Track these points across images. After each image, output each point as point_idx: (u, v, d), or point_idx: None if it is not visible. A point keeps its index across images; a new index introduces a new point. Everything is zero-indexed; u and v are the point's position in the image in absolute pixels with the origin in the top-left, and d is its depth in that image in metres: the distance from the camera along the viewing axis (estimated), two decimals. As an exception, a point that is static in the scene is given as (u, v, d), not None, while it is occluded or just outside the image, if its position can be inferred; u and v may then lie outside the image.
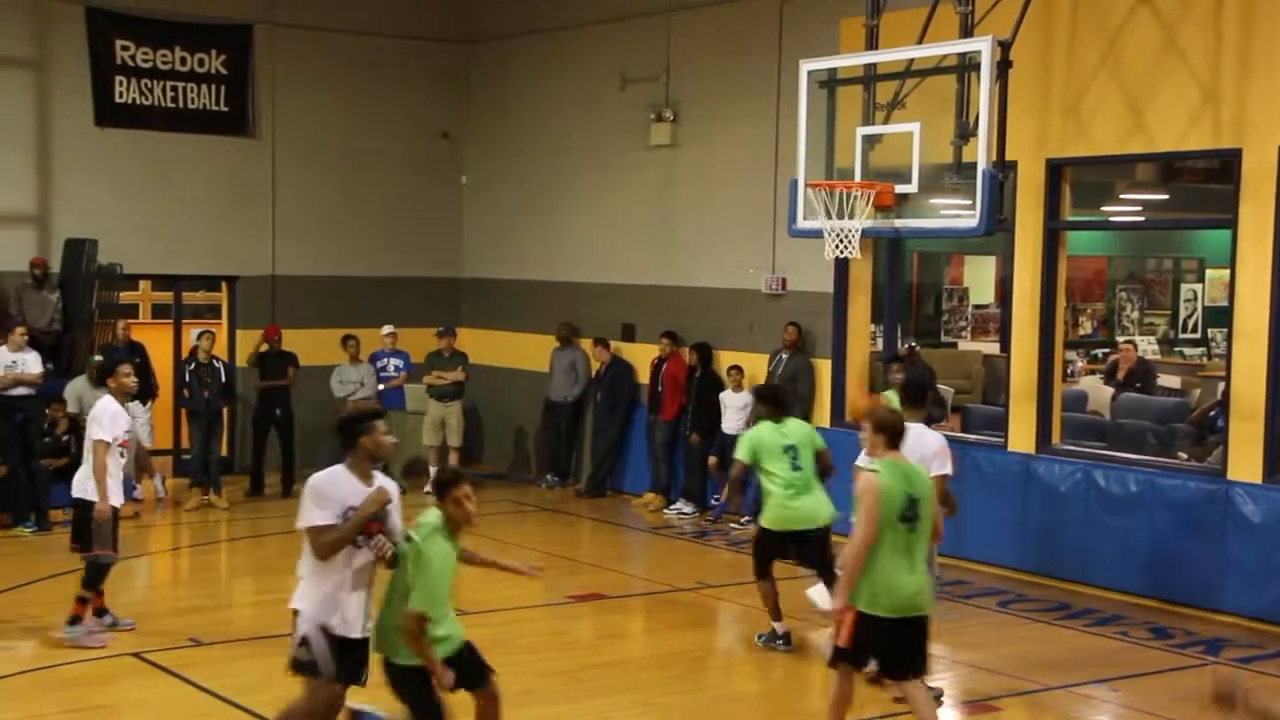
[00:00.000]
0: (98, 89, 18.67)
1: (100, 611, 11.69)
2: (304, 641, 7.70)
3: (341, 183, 20.17)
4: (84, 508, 11.42)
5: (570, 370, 18.59)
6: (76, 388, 16.52)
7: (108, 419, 11.37)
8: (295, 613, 7.81)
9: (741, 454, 11.54)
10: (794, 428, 11.63)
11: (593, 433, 18.57)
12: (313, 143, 19.93)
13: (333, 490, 7.83)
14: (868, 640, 8.37)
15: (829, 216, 12.96)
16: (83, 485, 11.44)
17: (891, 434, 8.60)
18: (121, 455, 11.46)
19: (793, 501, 11.31)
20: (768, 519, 11.49)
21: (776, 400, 11.83)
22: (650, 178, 18.30)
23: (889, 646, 8.45)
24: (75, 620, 11.41)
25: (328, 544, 7.64)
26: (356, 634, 7.70)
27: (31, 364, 16.77)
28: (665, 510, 17.27)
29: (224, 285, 19.90)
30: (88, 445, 11.52)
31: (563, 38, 19.51)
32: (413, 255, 20.64)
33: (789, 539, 11.49)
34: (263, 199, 19.73)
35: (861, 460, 9.24)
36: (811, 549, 11.48)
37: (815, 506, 11.42)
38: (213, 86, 19.43)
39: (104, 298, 18.31)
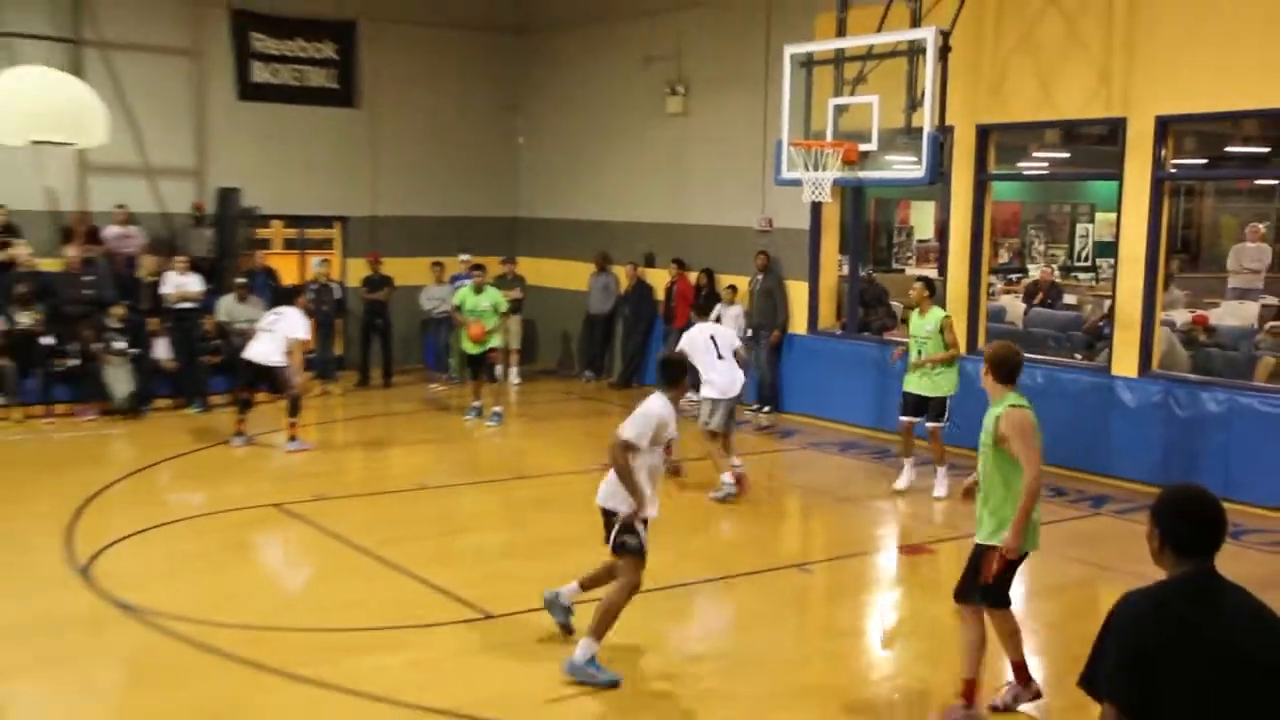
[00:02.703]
0: (239, 71, 18.61)
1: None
2: (630, 529, 7.22)
3: (426, 142, 20.09)
4: (274, 371, 13.59)
5: (604, 289, 18.61)
6: (226, 303, 16.58)
7: (304, 325, 13.82)
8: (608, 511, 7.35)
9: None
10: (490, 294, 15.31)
11: (622, 338, 18.61)
12: (403, 112, 19.84)
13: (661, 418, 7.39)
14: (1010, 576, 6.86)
15: (806, 169, 12.96)
16: (271, 357, 13.49)
17: (1005, 370, 6.85)
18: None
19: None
20: None
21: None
22: (666, 139, 18.19)
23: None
24: (293, 439, 13.69)
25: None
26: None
27: (194, 284, 16.89)
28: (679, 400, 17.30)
29: (336, 224, 19.89)
30: (281, 341, 13.53)
31: (598, 28, 19.35)
32: (481, 199, 20.60)
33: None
34: (365, 156, 19.67)
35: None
36: None
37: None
38: (326, 68, 19.36)
39: (246, 233, 18.40)
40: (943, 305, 13.13)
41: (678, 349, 11.96)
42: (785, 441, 14.90)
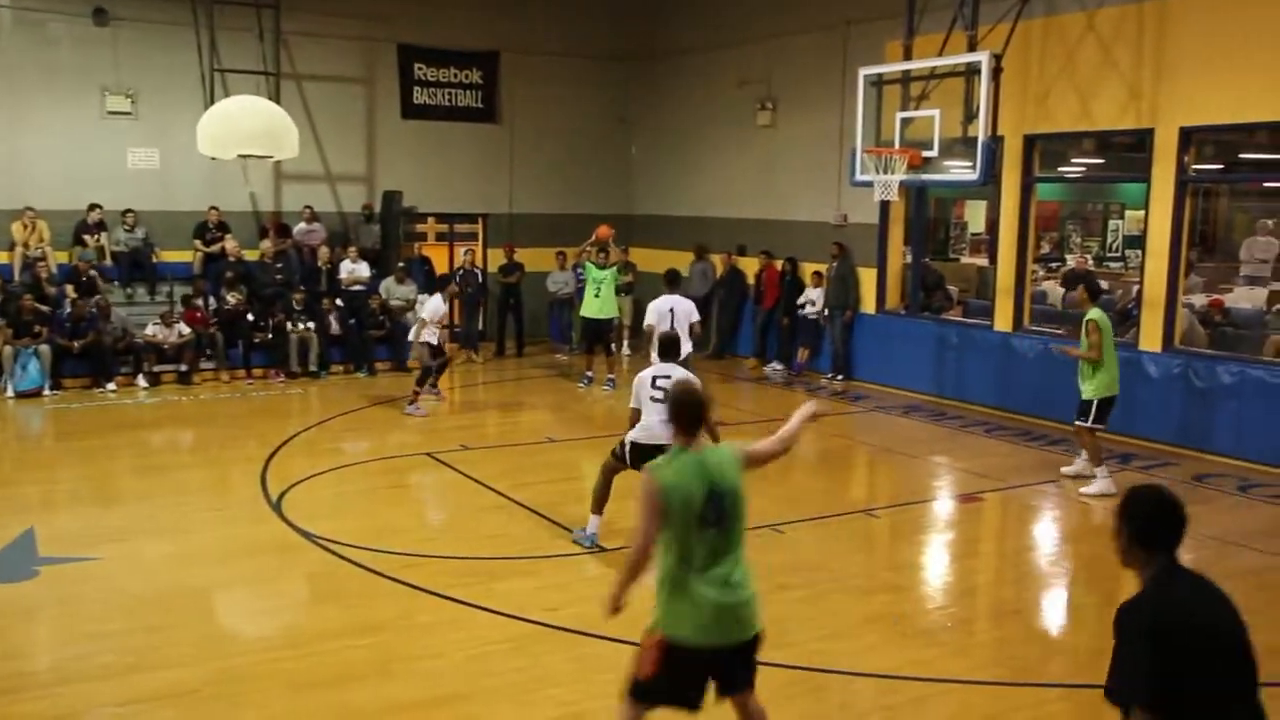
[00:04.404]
0: (403, 95, 18.80)
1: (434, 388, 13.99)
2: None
3: (554, 152, 20.12)
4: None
5: (702, 275, 18.49)
6: (387, 284, 16.86)
7: (430, 306, 13.39)
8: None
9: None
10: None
11: (717, 316, 18.49)
12: (536, 126, 19.87)
13: None
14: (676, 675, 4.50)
15: (877, 172, 12.72)
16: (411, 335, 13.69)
17: (681, 418, 4.54)
18: (437, 328, 13.48)
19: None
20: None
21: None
22: (756, 147, 18.00)
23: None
24: (413, 402, 13.32)
25: None
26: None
27: (363, 270, 17.15)
28: (764, 368, 17.20)
29: (480, 220, 20.03)
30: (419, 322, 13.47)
31: (701, 56, 19.18)
32: (600, 199, 20.50)
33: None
34: (504, 164, 19.75)
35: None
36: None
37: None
38: (473, 91, 19.45)
39: (406, 228, 18.63)
40: (1102, 306, 11.09)
41: (646, 320, 11.92)
42: (856, 405, 14.71)
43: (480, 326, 18.69)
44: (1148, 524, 3.41)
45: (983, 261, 18.86)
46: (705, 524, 4.39)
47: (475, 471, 10.62)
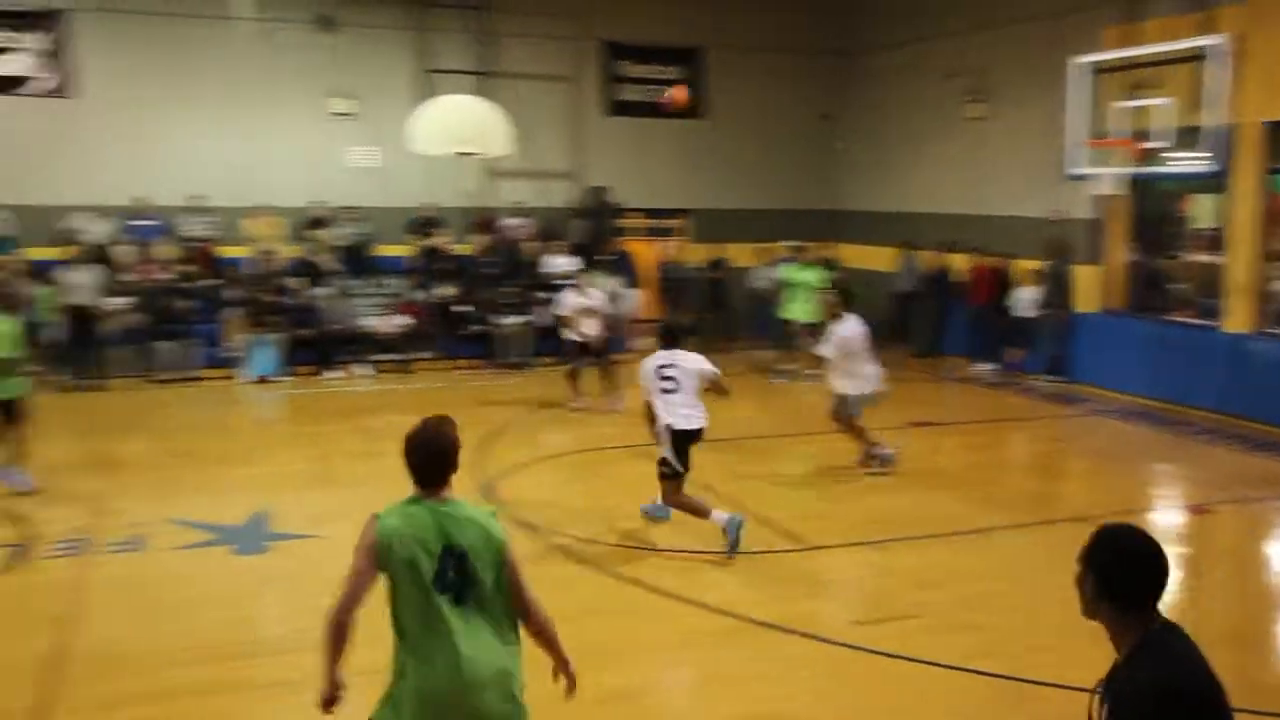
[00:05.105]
0: (606, 92, 19.09)
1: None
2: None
3: (760, 148, 20.05)
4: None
5: (910, 271, 18.08)
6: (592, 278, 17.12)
7: (567, 304, 13.78)
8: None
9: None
10: None
11: (924, 314, 18.00)
12: (741, 123, 19.83)
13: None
14: None
15: (1096, 165, 12.17)
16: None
17: (418, 464, 3.77)
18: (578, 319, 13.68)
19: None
20: None
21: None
22: (966, 141, 17.46)
23: None
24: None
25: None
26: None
27: (570, 265, 17.45)
28: (974, 367, 16.66)
29: (683, 215, 20.14)
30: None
31: (908, 49, 18.76)
32: (803, 194, 20.37)
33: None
34: (710, 160, 19.81)
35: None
36: None
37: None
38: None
39: (612, 222, 18.87)
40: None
41: (837, 345, 10.53)
42: (1071, 407, 14.08)
43: (685, 322, 18.78)
44: (1117, 573, 2.84)
45: (1211, 259, 17.77)
46: (441, 588, 3.58)
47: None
